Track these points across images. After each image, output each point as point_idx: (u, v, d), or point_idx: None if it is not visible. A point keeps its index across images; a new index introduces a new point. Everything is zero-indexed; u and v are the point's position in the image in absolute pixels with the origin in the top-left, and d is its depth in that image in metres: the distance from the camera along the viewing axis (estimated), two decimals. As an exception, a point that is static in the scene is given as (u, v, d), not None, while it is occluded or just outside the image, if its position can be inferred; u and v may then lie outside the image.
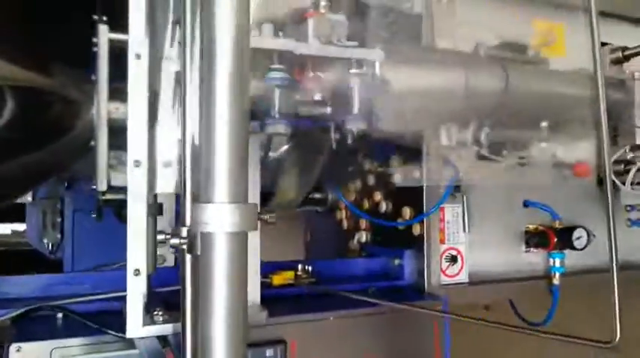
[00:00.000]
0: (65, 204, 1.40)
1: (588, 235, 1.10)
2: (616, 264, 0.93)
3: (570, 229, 1.09)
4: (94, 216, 1.16)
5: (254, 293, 0.75)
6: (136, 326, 0.65)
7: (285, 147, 0.80)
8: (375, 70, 0.77)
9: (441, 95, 0.86)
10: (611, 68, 1.23)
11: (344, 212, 1.29)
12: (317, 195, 1.30)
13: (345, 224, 1.29)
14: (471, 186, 1.08)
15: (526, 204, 1.15)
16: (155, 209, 0.72)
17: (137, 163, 0.67)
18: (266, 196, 0.97)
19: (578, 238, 1.09)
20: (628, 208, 1.29)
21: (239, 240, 0.48)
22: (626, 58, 1.19)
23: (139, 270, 0.63)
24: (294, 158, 0.89)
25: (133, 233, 0.66)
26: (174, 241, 0.63)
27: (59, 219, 1.41)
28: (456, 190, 1.05)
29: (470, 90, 0.87)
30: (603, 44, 1.22)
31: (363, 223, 1.21)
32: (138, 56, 0.68)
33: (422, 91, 0.85)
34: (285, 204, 1.01)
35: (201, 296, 0.48)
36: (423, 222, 1.03)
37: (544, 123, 1.06)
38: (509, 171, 1.13)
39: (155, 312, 0.67)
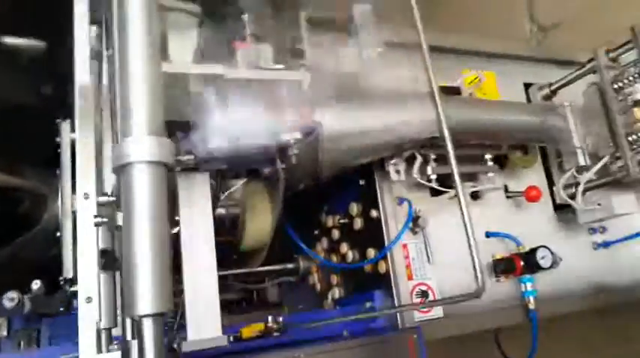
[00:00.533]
0: (41, 333, 1.39)
1: (552, 254, 1.12)
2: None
3: (533, 250, 1.11)
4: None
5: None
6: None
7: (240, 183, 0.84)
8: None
9: (379, 132, 0.92)
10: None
11: (316, 275, 1.30)
12: (289, 266, 1.32)
13: (318, 287, 1.29)
14: (431, 221, 1.12)
15: (488, 235, 1.17)
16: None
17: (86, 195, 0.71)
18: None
19: (543, 257, 1.11)
20: (590, 231, 1.32)
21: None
22: (554, 92, 1.30)
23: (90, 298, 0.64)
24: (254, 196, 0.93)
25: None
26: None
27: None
28: (415, 226, 1.08)
29: (405, 125, 0.94)
30: (529, 85, 1.34)
31: (335, 279, 1.22)
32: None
33: (362, 131, 0.91)
34: (253, 250, 1.02)
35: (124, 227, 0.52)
36: (387, 260, 1.04)
37: (488, 155, 1.13)
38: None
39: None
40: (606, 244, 1.31)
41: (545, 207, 1.28)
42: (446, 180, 1.08)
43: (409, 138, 0.94)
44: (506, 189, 1.23)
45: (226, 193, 0.83)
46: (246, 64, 0.67)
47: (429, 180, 1.04)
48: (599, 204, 1.17)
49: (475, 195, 1.18)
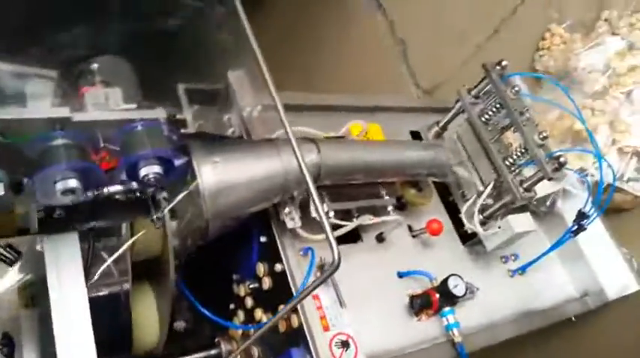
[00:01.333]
0: None
1: (464, 281, 1.12)
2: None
3: (445, 280, 1.11)
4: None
5: None
6: None
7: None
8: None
9: (262, 181, 0.93)
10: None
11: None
12: (212, 352, 1.24)
13: (240, 363, 1.21)
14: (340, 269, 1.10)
15: (400, 275, 1.17)
16: None
17: None
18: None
19: (456, 286, 1.10)
20: (503, 260, 1.34)
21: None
22: (444, 129, 1.37)
23: None
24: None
25: None
26: None
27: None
28: (323, 273, 1.06)
29: (287, 170, 0.95)
30: (416, 132, 1.42)
31: (256, 351, 1.15)
32: None
33: (245, 182, 0.92)
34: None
35: None
36: (298, 313, 1.00)
37: (383, 191, 1.16)
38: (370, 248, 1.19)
39: None
40: (522, 269, 1.33)
41: (453, 243, 1.29)
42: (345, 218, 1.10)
43: (292, 182, 0.95)
44: (410, 229, 1.25)
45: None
46: (94, 106, 0.67)
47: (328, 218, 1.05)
48: (499, 227, 1.20)
49: (380, 238, 1.19)
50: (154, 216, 0.74)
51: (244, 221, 1.07)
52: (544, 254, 1.29)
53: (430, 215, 1.28)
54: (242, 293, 1.17)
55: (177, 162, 0.69)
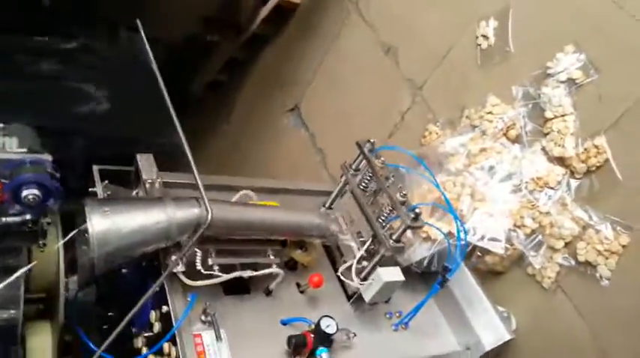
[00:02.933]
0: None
1: (335, 322, 1.27)
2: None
3: (318, 321, 1.26)
4: None
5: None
6: None
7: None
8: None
9: (147, 229, 1.14)
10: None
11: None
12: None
13: None
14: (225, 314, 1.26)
15: (283, 323, 1.31)
16: None
17: None
18: None
19: (328, 326, 1.25)
20: (387, 315, 1.49)
21: None
22: (330, 207, 1.60)
23: None
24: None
25: None
26: None
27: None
28: (207, 316, 1.21)
29: (172, 224, 1.16)
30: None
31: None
32: None
33: (131, 229, 1.12)
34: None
35: None
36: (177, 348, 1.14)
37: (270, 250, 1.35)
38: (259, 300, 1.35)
39: None
40: (404, 323, 1.48)
41: (339, 300, 1.45)
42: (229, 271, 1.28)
43: (175, 231, 1.15)
44: (298, 286, 1.42)
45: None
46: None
47: (212, 270, 1.23)
48: (372, 279, 1.38)
49: (267, 291, 1.36)
50: (40, 242, 0.93)
51: (139, 277, 1.25)
52: (419, 306, 1.45)
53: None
54: (140, 345, 1.30)
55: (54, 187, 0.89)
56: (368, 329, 1.44)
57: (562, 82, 1.51)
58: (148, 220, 1.14)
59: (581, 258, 1.43)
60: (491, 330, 1.49)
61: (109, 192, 1.33)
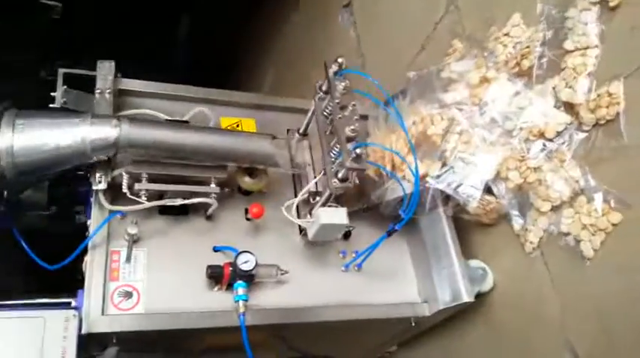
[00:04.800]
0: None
1: (255, 258, 1.22)
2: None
3: (237, 256, 1.22)
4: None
5: None
6: None
7: None
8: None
9: (62, 148, 1.14)
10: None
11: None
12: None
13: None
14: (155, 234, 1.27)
15: (215, 249, 1.30)
16: None
17: None
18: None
19: (245, 261, 1.21)
20: (341, 254, 1.41)
21: None
22: (305, 134, 1.49)
23: None
24: None
25: None
26: None
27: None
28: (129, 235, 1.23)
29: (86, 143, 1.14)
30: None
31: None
32: None
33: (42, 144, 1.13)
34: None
35: None
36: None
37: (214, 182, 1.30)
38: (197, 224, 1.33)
39: None
40: (357, 265, 1.39)
41: (292, 230, 1.38)
42: (162, 197, 1.27)
43: (89, 150, 1.14)
44: (246, 212, 1.37)
45: None
46: None
47: (138, 196, 1.22)
48: (313, 219, 1.29)
49: (208, 217, 1.33)
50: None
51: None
52: (364, 252, 1.34)
53: (279, 203, 1.38)
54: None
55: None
56: (313, 265, 1.38)
57: (594, 4, 1.16)
58: (60, 138, 1.14)
59: (564, 228, 1.19)
60: (451, 288, 1.34)
61: (65, 99, 1.33)
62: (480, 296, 1.40)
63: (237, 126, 1.50)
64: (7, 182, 1.13)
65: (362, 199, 1.40)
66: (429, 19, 1.74)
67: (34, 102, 1.33)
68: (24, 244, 1.25)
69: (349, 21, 2.34)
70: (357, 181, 1.27)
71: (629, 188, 1.08)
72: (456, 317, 1.43)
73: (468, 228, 1.45)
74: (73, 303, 1.16)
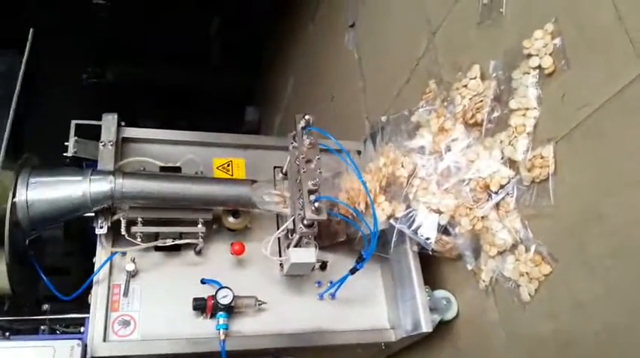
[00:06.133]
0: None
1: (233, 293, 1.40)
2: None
3: (217, 290, 1.41)
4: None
5: None
6: None
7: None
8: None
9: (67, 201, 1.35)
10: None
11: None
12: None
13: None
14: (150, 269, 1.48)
15: (203, 282, 1.49)
16: None
17: None
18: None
19: (224, 296, 1.40)
20: (317, 284, 1.57)
21: None
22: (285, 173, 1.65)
23: None
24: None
25: None
26: None
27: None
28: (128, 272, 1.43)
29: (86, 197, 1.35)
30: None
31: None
32: None
33: (50, 199, 1.35)
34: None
35: None
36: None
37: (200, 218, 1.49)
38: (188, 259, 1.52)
39: None
40: (330, 294, 1.55)
41: (272, 263, 1.55)
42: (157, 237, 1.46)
43: (89, 202, 1.35)
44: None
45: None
46: None
47: (135, 237, 1.43)
48: (285, 257, 1.46)
49: (197, 252, 1.52)
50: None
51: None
52: (335, 284, 1.50)
53: (262, 237, 1.55)
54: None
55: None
56: (291, 295, 1.55)
57: (533, 69, 1.25)
58: (65, 194, 1.35)
59: (506, 273, 1.30)
60: (412, 318, 1.48)
61: (76, 149, 1.53)
62: (445, 323, 1.53)
63: (228, 165, 1.67)
64: (23, 230, 1.35)
65: (337, 236, 1.56)
66: (413, 53, 1.85)
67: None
68: (43, 276, 1.48)
69: (353, 42, 2.45)
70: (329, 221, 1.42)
71: (557, 244, 1.18)
72: (423, 342, 1.57)
73: (435, 260, 1.57)
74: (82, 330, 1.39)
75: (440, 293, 1.55)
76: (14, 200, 1.32)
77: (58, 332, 1.51)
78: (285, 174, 1.64)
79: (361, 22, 2.40)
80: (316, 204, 1.33)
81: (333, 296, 1.56)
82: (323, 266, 1.58)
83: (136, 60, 4.52)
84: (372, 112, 2.20)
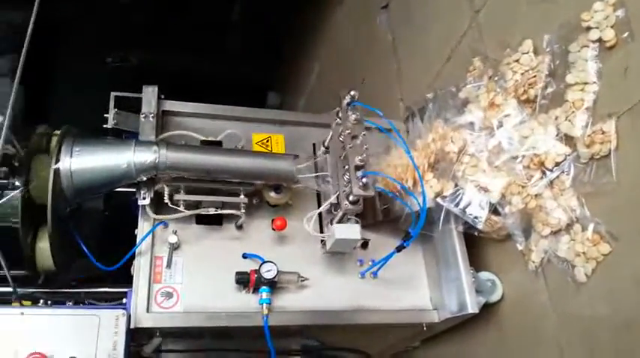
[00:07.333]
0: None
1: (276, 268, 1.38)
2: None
3: (261, 265, 1.39)
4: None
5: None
6: None
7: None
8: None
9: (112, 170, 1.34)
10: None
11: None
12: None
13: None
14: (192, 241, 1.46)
15: (244, 256, 1.47)
16: None
17: None
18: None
19: (268, 270, 1.38)
20: (358, 263, 1.54)
21: None
22: (327, 149, 1.62)
23: None
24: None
25: None
26: None
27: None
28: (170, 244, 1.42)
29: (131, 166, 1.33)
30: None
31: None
32: None
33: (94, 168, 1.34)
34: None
35: None
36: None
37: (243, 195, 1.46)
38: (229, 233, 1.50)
39: None
40: (374, 274, 1.53)
41: (313, 240, 1.53)
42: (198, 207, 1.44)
43: (133, 171, 1.33)
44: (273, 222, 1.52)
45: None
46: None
47: (178, 205, 1.41)
48: (329, 234, 1.43)
49: (239, 226, 1.50)
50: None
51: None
52: (378, 262, 1.47)
53: (303, 214, 1.53)
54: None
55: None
56: (332, 272, 1.52)
57: (592, 42, 1.21)
58: (110, 162, 1.34)
59: (560, 253, 1.27)
60: (458, 298, 1.46)
61: (116, 121, 1.52)
62: (489, 305, 1.50)
63: (267, 141, 1.65)
64: (66, 199, 1.34)
65: (376, 215, 1.53)
66: (454, 31, 1.81)
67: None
68: (84, 247, 1.47)
69: (387, 23, 2.41)
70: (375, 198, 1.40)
71: (617, 222, 1.15)
72: (466, 324, 1.54)
73: (479, 242, 1.55)
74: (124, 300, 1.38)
75: (484, 274, 1.52)
76: (57, 167, 1.30)
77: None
78: (326, 150, 1.62)
79: (395, 2, 2.36)
80: (364, 180, 1.30)
81: (375, 275, 1.53)
82: (364, 244, 1.55)
83: (158, 45, 4.52)
84: (407, 94, 2.16)
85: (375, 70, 2.54)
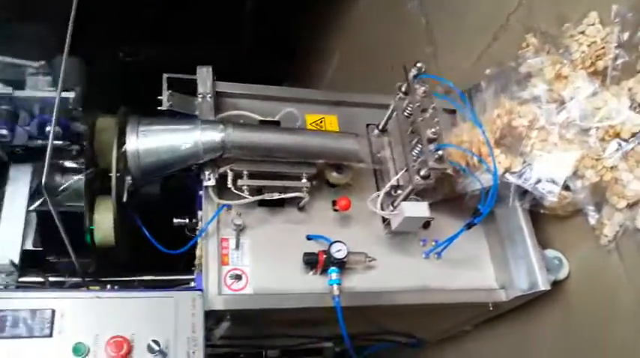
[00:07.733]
0: None
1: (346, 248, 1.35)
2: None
3: (330, 245, 1.36)
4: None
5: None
6: None
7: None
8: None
9: (179, 150, 1.30)
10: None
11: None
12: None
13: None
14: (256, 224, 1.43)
15: (308, 238, 1.44)
16: None
17: None
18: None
19: (338, 250, 1.35)
20: (421, 243, 1.52)
21: None
22: (384, 130, 1.60)
23: None
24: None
25: None
26: None
27: None
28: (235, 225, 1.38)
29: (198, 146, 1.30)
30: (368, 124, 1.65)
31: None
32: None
33: (161, 148, 1.30)
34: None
35: None
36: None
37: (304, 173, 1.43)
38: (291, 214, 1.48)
39: None
40: (437, 254, 1.50)
41: (374, 221, 1.51)
42: (261, 191, 1.41)
43: (201, 151, 1.30)
44: (334, 204, 1.50)
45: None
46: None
47: (241, 190, 1.38)
48: (396, 212, 1.40)
49: (300, 208, 1.47)
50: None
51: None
52: (444, 242, 1.45)
53: (362, 195, 1.51)
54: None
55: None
56: (396, 253, 1.50)
57: (673, 8, 1.20)
58: (177, 142, 1.31)
59: (639, 225, 1.25)
60: (527, 276, 1.44)
61: (171, 102, 1.48)
62: (555, 283, 1.48)
63: (321, 122, 1.62)
64: (134, 179, 1.31)
65: (442, 191, 1.50)
66: (501, 9, 1.79)
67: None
68: (146, 232, 1.44)
69: (419, 7, 2.39)
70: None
71: None
72: (532, 303, 1.52)
73: (542, 219, 1.52)
74: (192, 284, 1.35)
75: (550, 252, 1.50)
76: (124, 148, 1.27)
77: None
78: (382, 131, 1.59)
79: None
80: (439, 153, 1.28)
81: (439, 255, 1.51)
82: (426, 224, 1.52)
83: (169, 40, 4.48)
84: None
85: (405, 56, 2.50)
